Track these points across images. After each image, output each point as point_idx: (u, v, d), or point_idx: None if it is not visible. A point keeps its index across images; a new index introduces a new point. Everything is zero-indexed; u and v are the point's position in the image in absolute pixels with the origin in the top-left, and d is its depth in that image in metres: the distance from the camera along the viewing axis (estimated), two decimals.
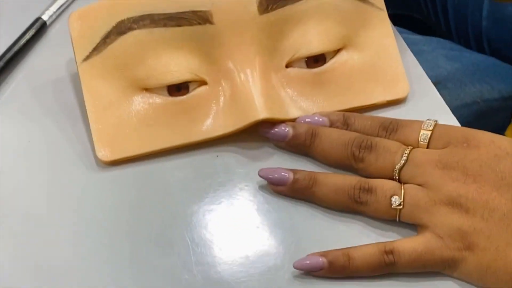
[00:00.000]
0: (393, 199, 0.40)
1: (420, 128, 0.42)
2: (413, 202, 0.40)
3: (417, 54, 0.78)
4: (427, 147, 0.42)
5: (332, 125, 0.45)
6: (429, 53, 0.77)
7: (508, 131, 0.64)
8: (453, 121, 0.46)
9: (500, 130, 0.71)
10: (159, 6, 0.44)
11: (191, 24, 0.44)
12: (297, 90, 0.46)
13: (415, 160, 0.41)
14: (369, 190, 0.41)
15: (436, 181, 0.40)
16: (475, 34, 0.82)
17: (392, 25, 0.49)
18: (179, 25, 0.44)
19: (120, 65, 0.45)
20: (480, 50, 0.81)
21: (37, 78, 0.49)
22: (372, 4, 0.48)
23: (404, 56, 0.49)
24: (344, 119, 0.45)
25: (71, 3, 0.53)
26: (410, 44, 0.80)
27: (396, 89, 0.47)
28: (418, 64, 0.50)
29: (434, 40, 0.80)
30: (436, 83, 0.74)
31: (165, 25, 0.44)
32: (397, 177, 0.41)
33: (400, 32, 0.81)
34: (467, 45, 0.83)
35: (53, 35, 0.52)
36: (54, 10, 0.51)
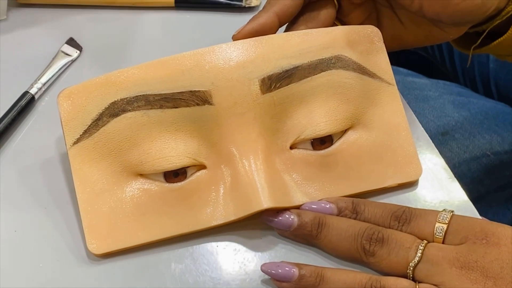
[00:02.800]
0: None
1: (436, 220, 0.40)
2: None
3: (423, 100, 0.76)
4: (443, 241, 0.39)
5: (340, 213, 0.42)
6: (436, 100, 0.74)
7: None
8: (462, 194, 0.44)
9: (511, 186, 0.69)
10: (154, 86, 0.41)
11: (188, 105, 0.41)
12: (302, 174, 0.43)
13: (431, 257, 0.38)
14: None
15: (453, 282, 0.37)
16: (482, 77, 0.80)
17: (401, 95, 0.46)
18: (176, 107, 0.41)
19: (113, 149, 0.42)
20: (488, 93, 0.79)
21: (24, 159, 0.46)
22: (381, 79, 0.45)
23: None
24: (353, 206, 0.42)
25: (60, 74, 0.51)
26: (416, 89, 0.78)
27: (408, 171, 0.44)
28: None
29: (441, 84, 0.78)
30: (444, 134, 0.72)
31: (161, 107, 0.41)
32: (411, 275, 0.38)
33: (405, 75, 0.80)
34: (474, 88, 0.81)
35: (41, 110, 0.49)
36: (43, 82, 0.48)
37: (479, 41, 0.50)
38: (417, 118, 0.48)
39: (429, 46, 0.86)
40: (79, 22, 0.55)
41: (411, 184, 0.44)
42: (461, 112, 0.73)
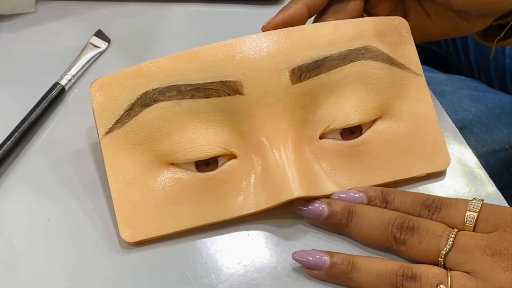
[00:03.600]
0: None
1: (466, 209, 0.40)
2: None
3: (440, 95, 0.76)
4: (474, 230, 0.39)
5: (370, 202, 0.42)
6: (453, 94, 0.74)
7: None
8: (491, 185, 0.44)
9: None
10: (186, 76, 0.42)
11: (219, 95, 0.42)
12: (332, 163, 0.43)
13: (462, 245, 0.38)
14: (413, 278, 0.38)
15: (485, 270, 0.37)
16: (497, 72, 0.80)
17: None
18: (207, 97, 0.42)
19: (145, 139, 0.42)
20: (503, 88, 0.79)
21: (55, 150, 0.46)
22: (409, 70, 0.45)
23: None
24: (383, 195, 0.42)
25: (89, 65, 0.51)
26: (432, 84, 0.78)
27: (436, 161, 0.44)
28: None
29: (457, 78, 0.78)
30: (462, 128, 0.72)
31: (192, 97, 0.42)
32: (442, 263, 0.39)
33: None
34: (489, 83, 0.81)
35: (71, 101, 0.49)
36: (73, 73, 0.49)
37: (503, 34, 0.51)
38: None
39: (443, 41, 0.86)
40: (107, 15, 0.56)
41: (440, 174, 0.45)
42: (478, 107, 0.73)
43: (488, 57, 0.80)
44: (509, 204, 0.68)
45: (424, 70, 0.80)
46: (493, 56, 0.80)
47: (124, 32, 0.54)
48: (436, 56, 0.89)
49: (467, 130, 0.71)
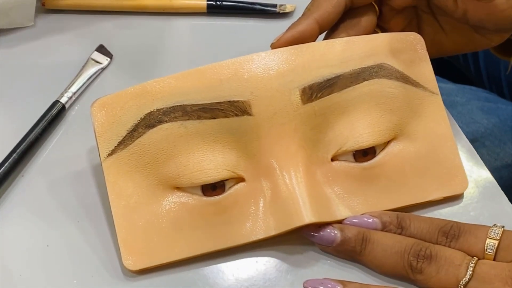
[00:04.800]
0: None
1: (486, 236, 0.38)
2: None
3: (450, 106, 0.74)
4: (494, 258, 0.38)
5: (384, 228, 0.40)
6: (464, 106, 0.73)
7: None
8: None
9: None
10: (192, 96, 0.40)
11: (227, 116, 0.40)
12: (345, 186, 0.41)
13: (483, 275, 0.37)
14: None
15: None
16: (508, 82, 0.78)
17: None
18: (214, 117, 0.40)
19: (149, 161, 0.40)
20: None
21: (55, 171, 0.44)
22: (424, 88, 0.44)
23: None
24: (398, 221, 0.40)
25: (91, 82, 0.49)
26: (442, 94, 0.76)
27: (453, 184, 0.42)
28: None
29: (467, 89, 0.77)
30: (474, 141, 0.70)
31: (198, 117, 0.40)
32: None
33: None
34: (500, 93, 0.79)
35: (72, 120, 0.47)
36: (74, 91, 0.47)
37: None
38: None
39: None
40: (109, 29, 0.54)
41: (457, 197, 0.43)
42: (490, 119, 0.71)
43: (498, 66, 0.79)
44: None
45: None
46: (504, 66, 0.78)
47: (126, 46, 0.53)
48: (445, 65, 0.88)
49: (478, 143, 0.69)
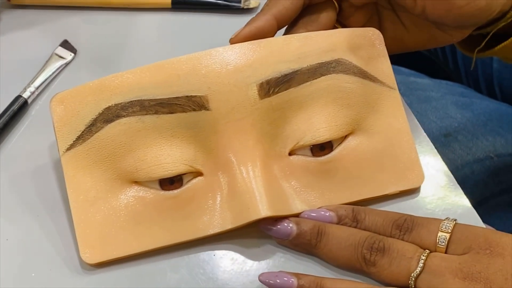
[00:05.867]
0: None
1: (438, 230, 0.39)
2: None
3: (425, 101, 0.74)
4: (446, 251, 0.38)
5: (340, 221, 0.41)
6: (438, 100, 0.73)
7: None
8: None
9: None
10: (150, 91, 0.40)
11: (184, 110, 0.40)
12: (301, 181, 0.42)
13: (433, 268, 0.37)
14: None
15: None
16: (485, 77, 0.79)
17: (403, 99, 0.45)
18: (171, 112, 0.40)
19: (107, 156, 0.41)
20: (491, 93, 0.78)
21: (16, 166, 0.45)
22: (382, 83, 0.44)
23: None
24: (354, 214, 0.41)
25: (54, 77, 0.49)
26: (418, 89, 0.77)
27: (409, 178, 0.43)
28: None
29: (444, 84, 0.77)
30: (447, 135, 0.70)
31: (156, 112, 0.40)
32: (413, 286, 0.37)
33: (408, 75, 0.78)
34: (477, 88, 0.80)
35: (35, 115, 0.47)
36: (37, 86, 0.47)
37: (483, 44, 0.49)
38: (419, 119, 0.47)
39: None
40: (73, 24, 0.54)
41: (413, 191, 0.43)
42: (464, 113, 0.72)
43: (476, 62, 0.79)
44: (498, 214, 0.67)
45: (410, 75, 0.79)
46: (481, 61, 0.78)
47: (92, 41, 0.53)
48: (425, 60, 0.88)
49: (452, 137, 0.70)
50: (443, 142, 0.68)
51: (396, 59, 0.86)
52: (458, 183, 0.44)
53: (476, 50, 0.50)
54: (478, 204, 0.66)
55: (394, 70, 0.44)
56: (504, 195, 0.67)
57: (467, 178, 0.66)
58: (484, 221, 0.42)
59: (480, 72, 0.79)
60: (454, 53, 0.82)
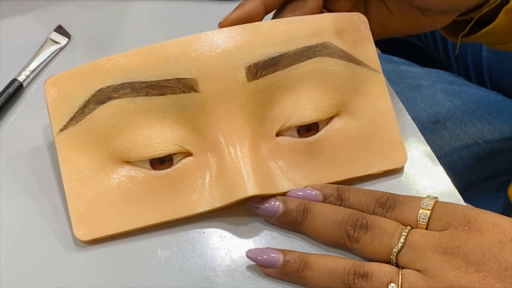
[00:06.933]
0: (390, 287, 0.37)
1: (419, 207, 0.40)
2: None
3: (415, 88, 0.75)
4: (427, 227, 0.39)
5: (325, 199, 0.42)
6: (428, 88, 0.74)
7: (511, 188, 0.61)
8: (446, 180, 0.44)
9: (502, 174, 0.69)
10: (141, 73, 0.42)
11: (174, 92, 0.41)
12: (288, 161, 0.43)
13: (414, 243, 0.38)
14: (364, 276, 0.38)
15: (436, 268, 0.37)
16: (475, 65, 0.80)
17: (388, 82, 0.46)
18: (162, 94, 0.41)
19: (99, 136, 0.42)
20: (481, 82, 0.79)
21: (11, 147, 0.46)
22: (367, 67, 0.45)
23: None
24: (338, 193, 0.42)
25: (49, 61, 0.51)
26: (408, 78, 0.78)
27: (393, 159, 0.44)
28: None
29: (434, 72, 0.78)
30: (436, 122, 0.72)
31: (147, 94, 0.41)
32: (394, 261, 0.39)
33: (398, 63, 0.80)
34: (467, 77, 0.81)
35: (29, 98, 0.49)
36: (32, 69, 0.48)
37: (467, 29, 0.50)
38: (409, 107, 0.48)
39: (422, 34, 0.86)
40: (67, 10, 0.55)
41: (397, 171, 0.44)
42: (452, 101, 0.73)
43: (465, 50, 0.80)
44: (485, 199, 0.69)
45: (401, 63, 0.80)
46: (471, 49, 0.80)
47: (84, 27, 0.54)
48: (415, 48, 0.89)
49: (440, 124, 0.71)
50: (432, 129, 0.69)
51: (388, 48, 0.87)
52: (447, 168, 0.45)
53: (460, 36, 0.51)
54: (466, 189, 0.68)
55: (385, 59, 0.45)
56: (490, 180, 0.69)
57: (455, 164, 0.68)
58: (472, 205, 0.43)
59: (470, 61, 0.80)
60: (445, 42, 0.83)
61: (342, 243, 0.40)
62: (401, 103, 0.48)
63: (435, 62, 0.86)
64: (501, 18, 0.48)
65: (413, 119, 0.47)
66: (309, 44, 0.43)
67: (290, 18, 0.44)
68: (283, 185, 0.42)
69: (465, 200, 0.44)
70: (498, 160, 0.70)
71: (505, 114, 0.72)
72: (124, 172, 0.42)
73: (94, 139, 0.42)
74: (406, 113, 0.48)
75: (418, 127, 0.47)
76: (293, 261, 0.39)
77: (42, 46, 0.51)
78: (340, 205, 0.42)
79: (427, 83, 0.76)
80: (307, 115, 0.43)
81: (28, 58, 0.50)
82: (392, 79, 0.72)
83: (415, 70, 0.79)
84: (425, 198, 0.40)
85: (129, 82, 0.41)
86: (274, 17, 0.46)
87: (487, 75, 0.79)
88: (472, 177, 0.69)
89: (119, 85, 0.41)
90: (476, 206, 0.46)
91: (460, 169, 0.68)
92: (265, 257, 0.40)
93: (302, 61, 0.43)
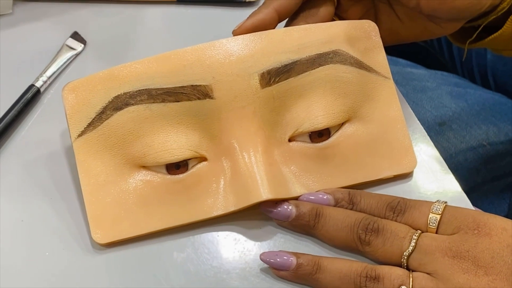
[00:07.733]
0: None
1: (429, 211, 0.41)
2: None
3: (421, 91, 0.76)
4: (436, 231, 0.40)
5: (337, 203, 0.43)
6: (434, 90, 0.75)
7: None
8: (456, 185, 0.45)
9: (507, 176, 0.70)
10: (157, 80, 0.42)
11: (190, 99, 0.42)
12: (301, 166, 0.44)
13: (424, 247, 0.39)
14: (376, 279, 0.39)
15: (446, 271, 0.38)
16: (479, 68, 0.81)
17: (399, 89, 0.47)
18: (177, 101, 0.42)
19: (116, 142, 0.43)
20: (485, 84, 0.80)
21: (29, 152, 0.47)
22: (378, 73, 0.46)
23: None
24: (350, 197, 0.43)
25: (65, 67, 0.52)
26: (414, 80, 0.79)
27: (403, 163, 0.45)
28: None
29: (439, 74, 0.79)
30: (441, 124, 0.72)
31: (163, 101, 0.42)
32: (405, 264, 0.40)
33: (404, 66, 0.80)
34: (472, 79, 0.82)
35: (46, 103, 0.50)
36: (48, 75, 0.49)
37: (474, 36, 0.51)
38: (415, 109, 0.49)
39: None
40: (83, 17, 0.56)
41: (406, 176, 0.45)
42: (458, 103, 0.74)
43: (470, 52, 0.81)
44: (490, 200, 0.69)
45: (406, 66, 0.81)
46: (476, 52, 0.80)
47: (100, 33, 0.55)
48: (421, 51, 0.90)
49: (446, 126, 0.72)
50: (437, 131, 0.70)
51: (394, 50, 0.88)
52: (452, 170, 0.46)
53: (467, 42, 0.52)
54: (471, 190, 0.69)
55: (391, 61, 0.46)
56: (495, 181, 0.70)
57: (460, 166, 0.68)
58: (477, 206, 0.44)
59: (474, 63, 0.81)
60: (449, 45, 0.83)
61: (353, 246, 0.41)
62: (410, 108, 0.49)
63: (439, 64, 0.87)
64: (508, 25, 0.49)
65: (418, 120, 0.48)
66: (321, 52, 0.44)
67: (302, 26, 0.45)
68: (296, 190, 0.43)
69: (470, 201, 0.45)
70: (503, 162, 0.71)
71: (510, 116, 0.73)
72: (140, 177, 0.43)
73: (111, 145, 0.43)
74: (415, 118, 0.49)
75: (423, 129, 0.48)
76: (306, 264, 0.40)
77: (58, 52, 0.52)
78: (351, 209, 0.43)
79: (433, 85, 0.76)
80: (319, 121, 0.44)
81: (45, 64, 0.51)
82: (398, 81, 0.73)
83: (420, 72, 0.79)
84: (435, 202, 0.41)
85: (146, 89, 0.42)
86: (287, 25, 0.47)
87: (492, 77, 0.80)
88: (477, 178, 0.70)
89: (136, 91, 0.42)
90: (481, 207, 0.47)
91: (465, 170, 0.69)
92: (278, 260, 0.41)
93: (314, 68, 0.44)
